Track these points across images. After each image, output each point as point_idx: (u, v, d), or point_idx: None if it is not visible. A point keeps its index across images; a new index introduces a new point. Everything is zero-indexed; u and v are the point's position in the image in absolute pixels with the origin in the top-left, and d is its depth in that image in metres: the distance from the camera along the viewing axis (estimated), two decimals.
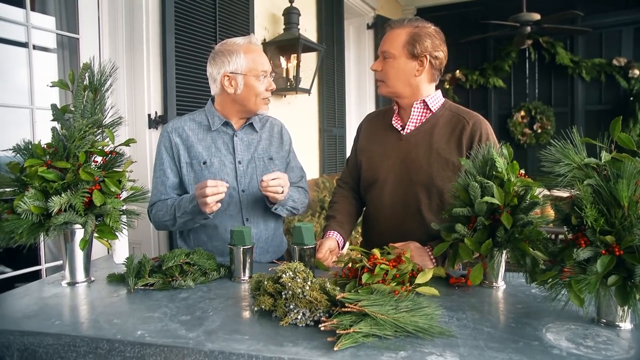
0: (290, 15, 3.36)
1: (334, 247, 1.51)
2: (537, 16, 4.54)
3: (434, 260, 1.41)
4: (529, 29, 4.62)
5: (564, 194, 1.04)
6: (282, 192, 1.49)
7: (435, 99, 1.57)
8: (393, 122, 1.60)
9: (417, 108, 1.55)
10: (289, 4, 3.36)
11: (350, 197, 1.73)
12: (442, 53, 1.51)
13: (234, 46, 1.59)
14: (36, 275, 2.14)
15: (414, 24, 1.49)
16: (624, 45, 5.33)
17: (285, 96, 3.59)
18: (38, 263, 2.16)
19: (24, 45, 2.13)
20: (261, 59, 1.62)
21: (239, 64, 1.58)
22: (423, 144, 1.52)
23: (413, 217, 1.52)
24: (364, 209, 1.73)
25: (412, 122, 1.56)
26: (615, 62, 5.31)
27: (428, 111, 1.56)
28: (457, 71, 6.11)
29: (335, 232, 1.57)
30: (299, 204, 1.69)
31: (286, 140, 1.78)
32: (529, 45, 5.68)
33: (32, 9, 2.19)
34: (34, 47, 2.17)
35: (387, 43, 1.51)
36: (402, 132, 1.57)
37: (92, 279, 1.31)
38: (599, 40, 5.46)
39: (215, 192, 1.40)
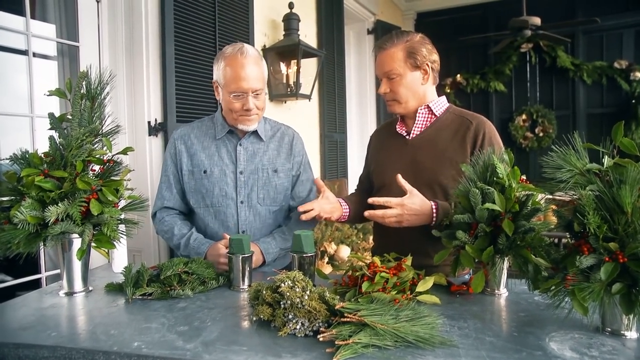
0: (290, 21, 3.36)
1: (330, 195, 1.54)
2: (537, 20, 4.54)
3: (434, 218, 1.40)
4: (529, 32, 4.61)
5: (566, 197, 1.02)
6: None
7: (440, 104, 1.60)
8: (397, 129, 1.63)
9: (422, 113, 1.58)
10: (288, 10, 3.36)
11: (359, 193, 1.76)
12: (436, 55, 1.56)
13: (222, 54, 1.54)
14: (37, 284, 2.13)
15: (403, 38, 1.52)
16: (625, 48, 5.32)
17: (285, 102, 3.59)
18: (38, 271, 2.15)
19: (24, 53, 2.14)
20: (241, 75, 1.47)
21: (219, 74, 1.53)
22: (428, 146, 1.55)
23: None
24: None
25: (418, 127, 1.59)
26: (616, 64, 5.29)
27: (432, 116, 1.58)
28: (458, 75, 6.11)
29: (342, 200, 1.62)
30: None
31: (297, 151, 1.71)
32: (529, 48, 5.67)
33: (33, 17, 2.19)
34: (34, 55, 2.18)
35: (388, 64, 1.52)
36: (407, 137, 1.60)
37: (90, 288, 1.30)
38: (600, 43, 5.45)
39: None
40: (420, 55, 1.51)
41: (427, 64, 1.53)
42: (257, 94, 1.53)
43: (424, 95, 1.57)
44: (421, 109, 1.57)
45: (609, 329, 0.91)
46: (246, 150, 1.63)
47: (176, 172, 1.63)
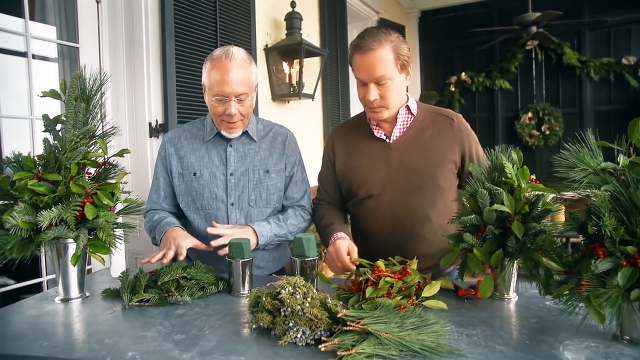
0: (292, 20, 3.32)
1: (350, 245, 1.40)
2: (542, 17, 4.47)
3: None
4: (534, 29, 4.55)
5: (575, 196, 0.98)
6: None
7: (413, 102, 1.55)
8: (375, 132, 1.53)
9: (402, 114, 1.51)
10: (290, 9, 3.33)
11: (333, 208, 1.65)
12: (410, 51, 1.47)
13: (210, 57, 1.49)
14: (38, 287, 2.11)
15: (387, 37, 1.39)
16: (634, 44, 5.23)
17: (288, 102, 3.55)
18: (39, 275, 2.13)
19: (23, 55, 2.12)
20: (224, 79, 1.42)
21: (205, 77, 1.49)
22: (414, 148, 1.49)
23: (422, 222, 1.48)
24: (357, 225, 1.64)
25: (398, 129, 1.51)
26: (624, 60, 5.21)
27: (411, 115, 1.53)
28: (463, 74, 6.05)
29: (342, 233, 1.48)
30: (289, 234, 1.58)
31: (291, 151, 1.65)
32: (535, 45, 5.60)
33: (32, 19, 2.17)
34: (34, 57, 2.15)
35: (379, 68, 1.38)
36: (387, 140, 1.52)
37: (87, 294, 1.26)
38: (607, 39, 5.37)
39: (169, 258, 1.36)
40: (406, 55, 1.42)
41: (409, 63, 1.45)
42: (241, 99, 1.47)
43: (403, 96, 1.50)
44: (402, 110, 1.50)
45: (628, 337, 0.86)
46: (237, 151, 1.59)
47: (166, 175, 1.62)
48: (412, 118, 1.52)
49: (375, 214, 1.53)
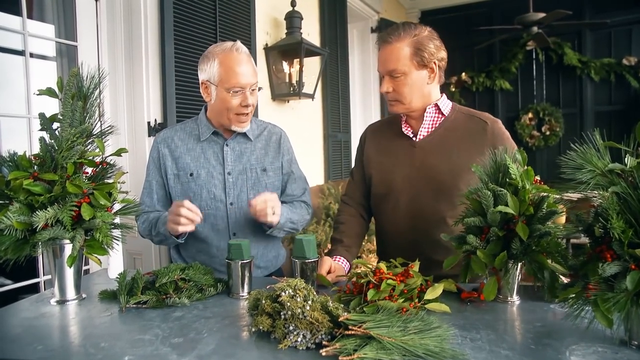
0: (293, 19, 3.30)
1: (336, 265, 1.42)
2: (543, 17, 4.45)
3: None
4: (535, 29, 4.53)
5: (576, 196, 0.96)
6: (274, 214, 1.40)
7: (445, 102, 1.51)
8: (403, 129, 1.52)
9: (430, 113, 1.49)
10: (290, 8, 3.31)
11: (357, 215, 1.63)
12: (444, 52, 1.45)
13: (212, 52, 1.48)
14: (36, 288, 2.09)
15: (411, 32, 1.40)
16: (634, 44, 5.21)
17: (288, 102, 3.53)
18: (37, 275, 2.11)
19: (21, 53, 2.09)
20: (239, 70, 1.44)
21: (212, 73, 1.47)
22: (440, 149, 1.46)
23: (438, 227, 1.43)
24: (377, 222, 1.63)
25: (425, 128, 1.49)
26: (625, 61, 5.19)
27: (440, 115, 1.49)
28: (463, 74, 6.03)
29: (342, 258, 1.48)
30: (299, 223, 1.58)
31: (285, 150, 1.65)
32: (535, 46, 5.58)
33: (30, 17, 2.15)
34: (32, 55, 2.13)
35: (393, 61, 1.40)
36: (414, 138, 1.50)
37: (84, 296, 1.24)
38: (608, 39, 5.36)
39: (189, 216, 1.34)
40: (428, 53, 1.39)
41: (434, 62, 1.41)
42: (253, 90, 1.50)
43: (428, 95, 1.46)
44: (430, 108, 1.47)
45: (636, 343, 0.84)
46: (233, 150, 1.57)
47: (159, 177, 1.59)
48: (443, 118, 1.49)
49: (391, 213, 1.51)
